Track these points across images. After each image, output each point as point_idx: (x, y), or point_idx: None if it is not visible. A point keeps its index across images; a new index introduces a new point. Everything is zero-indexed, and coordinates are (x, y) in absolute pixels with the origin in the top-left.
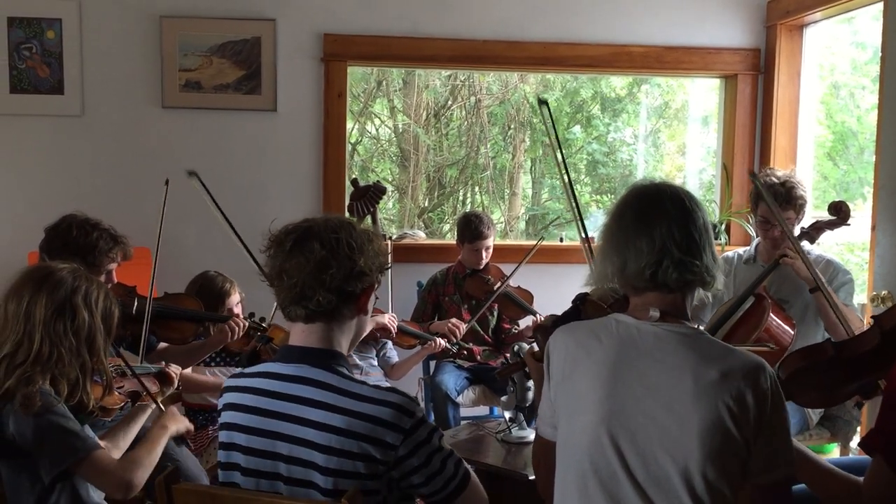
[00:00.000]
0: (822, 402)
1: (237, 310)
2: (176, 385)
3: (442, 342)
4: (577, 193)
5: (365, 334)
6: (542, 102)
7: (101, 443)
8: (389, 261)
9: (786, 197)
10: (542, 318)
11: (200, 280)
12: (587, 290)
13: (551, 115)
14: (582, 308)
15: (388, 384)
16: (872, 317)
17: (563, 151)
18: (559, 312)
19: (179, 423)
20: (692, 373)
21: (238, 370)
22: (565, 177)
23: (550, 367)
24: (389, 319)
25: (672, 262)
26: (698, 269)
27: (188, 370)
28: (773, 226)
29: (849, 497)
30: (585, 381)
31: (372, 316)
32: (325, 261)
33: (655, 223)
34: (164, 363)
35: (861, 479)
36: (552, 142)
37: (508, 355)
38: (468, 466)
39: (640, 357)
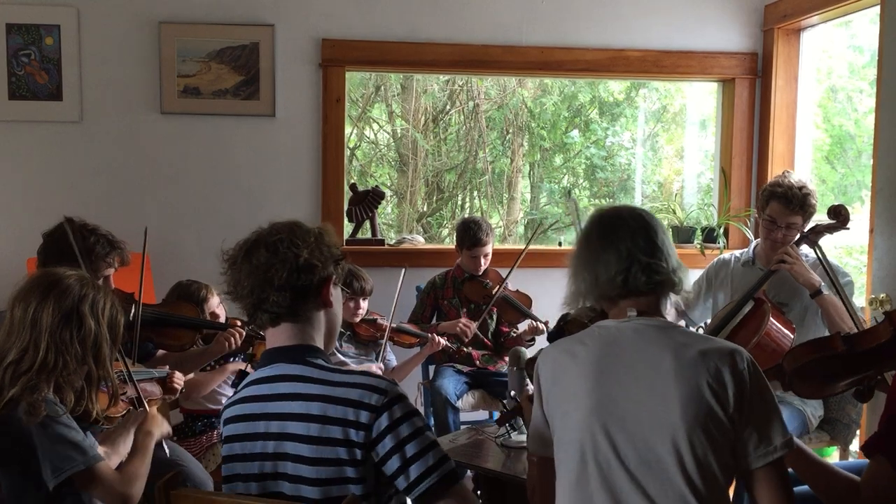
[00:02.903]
0: (820, 393)
1: (219, 311)
2: (179, 391)
3: (442, 340)
4: (575, 197)
5: (338, 327)
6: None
7: (101, 449)
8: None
9: (800, 203)
10: (539, 327)
11: (176, 292)
12: (567, 310)
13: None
14: (566, 328)
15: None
16: (884, 312)
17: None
18: (558, 316)
19: (162, 426)
20: (672, 353)
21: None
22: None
23: (540, 380)
24: (376, 370)
25: (640, 266)
26: (665, 270)
27: (190, 374)
28: (779, 227)
29: (847, 495)
30: (574, 380)
31: (369, 318)
32: (269, 262)
33: (620, 237)
34: (167, 371)
35: (859, 478)
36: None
37: (507, 358)
38: (455, 467)
39: (622, 351)
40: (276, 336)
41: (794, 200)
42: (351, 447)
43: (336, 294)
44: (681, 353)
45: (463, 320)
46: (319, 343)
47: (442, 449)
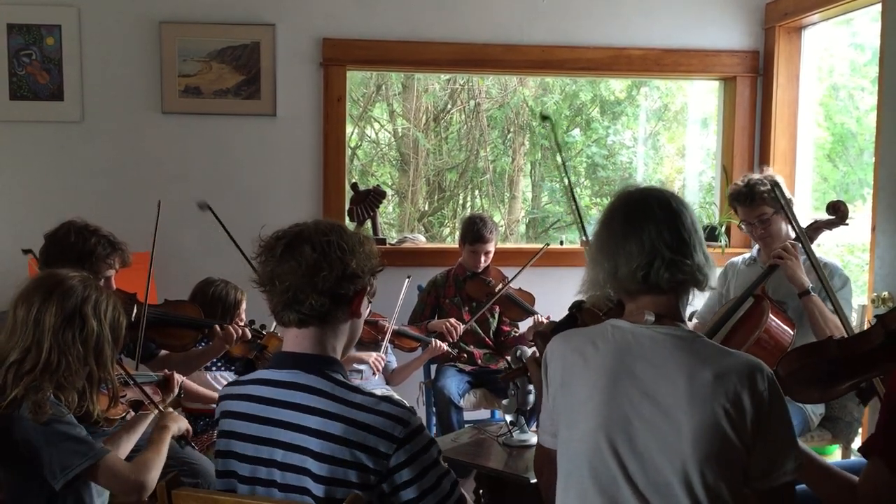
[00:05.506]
0: (818, 398)
1: (243, 314)
2: (177, 391)
3: (443, 345)
4: (577, 196)
5: (358, 338)
6: (545, 118)
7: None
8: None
9: (749, 196)
10: (543, 322)
11: (209, 289)
12: (582, 297)
13: (554, 129)
14: (578, 315)
15: (383, 391)
16: (875, 315)
17: (565, 159)
18: (560, 316)
19: (179, 422)
20: (687, 375)
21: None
22: (566, 180)
23: (548, 376)
24: (375, 360)
25: (663, 262)
26: (689, 269)
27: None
28: (753, 225)
29: (846, 496)
30: (583, 388)
31: (370, 320)
32: (317, 263)
33: (644, 226)
34: (165, 371)
35: (857, 478)
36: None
37: (508, 358)
38: (463, 492)
39: (636, 362)
40: (298, 339)
41: (741, 197)
42: (365, 472)
43: (365, 306)
44: (695, 376)
45: (451, 319)
46: (339, 353)
47: (453, 474)
